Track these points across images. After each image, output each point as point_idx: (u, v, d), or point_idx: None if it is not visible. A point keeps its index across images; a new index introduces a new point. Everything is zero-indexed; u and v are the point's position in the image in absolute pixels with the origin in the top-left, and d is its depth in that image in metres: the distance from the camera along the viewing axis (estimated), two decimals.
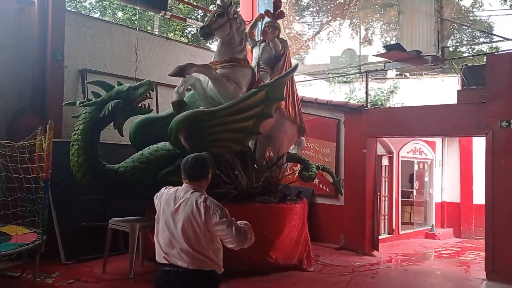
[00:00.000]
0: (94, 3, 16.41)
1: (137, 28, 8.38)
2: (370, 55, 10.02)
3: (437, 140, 11.14)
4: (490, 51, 11.60)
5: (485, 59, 6.27)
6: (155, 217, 2.63)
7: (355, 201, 7.56)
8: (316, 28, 11.69)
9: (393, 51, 6.64)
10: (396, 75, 13.06)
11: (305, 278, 5.49)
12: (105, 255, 5.25)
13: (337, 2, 10.62)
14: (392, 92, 12.42)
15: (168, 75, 5.32)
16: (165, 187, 2.68)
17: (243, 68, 5.74)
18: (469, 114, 6.30)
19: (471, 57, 12.80)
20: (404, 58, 6.86)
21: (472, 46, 14.74)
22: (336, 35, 11.72)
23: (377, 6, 10.60)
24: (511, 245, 5.60)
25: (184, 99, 5.65)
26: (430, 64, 6.80)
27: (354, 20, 10.31)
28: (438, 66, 7.89)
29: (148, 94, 5.43)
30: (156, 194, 2.68)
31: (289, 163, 6.90)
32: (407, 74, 12.89)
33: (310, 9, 12.16)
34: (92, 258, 5.67)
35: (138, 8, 10.30)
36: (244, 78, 5.74)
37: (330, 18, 10.91)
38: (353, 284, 5.42)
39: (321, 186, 8.15)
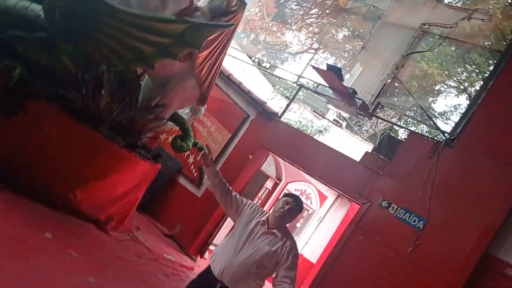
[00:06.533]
0: None
1: None
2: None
3: (330, 197, 10.75)
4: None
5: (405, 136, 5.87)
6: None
7: (212, 200, 6.80)
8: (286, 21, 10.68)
9: (331, 73, 5.84)
10: (334, 119, 12.76)
11: (93, 238, 4.51)
12: None
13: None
14: (320, 131, 12.03)
15: None
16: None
17: None
18: (359, 176, 5.76)
19: (397, 125, 12.57)
20: (337, 86, 6.13)
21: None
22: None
23: (348, 29, 9.91)
24: None
25: None
26: (356, 109, 6.22)
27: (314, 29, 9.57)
28: (362, 117, 7.39)
29: None
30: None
31: (172, 125, 5.99)
32: (343, 123, 12.67)
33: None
34: None
35: None
36: (175, 1, 4.83)
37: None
38: (137, 270, 4.57)
39: (192, 168, 7.35)
